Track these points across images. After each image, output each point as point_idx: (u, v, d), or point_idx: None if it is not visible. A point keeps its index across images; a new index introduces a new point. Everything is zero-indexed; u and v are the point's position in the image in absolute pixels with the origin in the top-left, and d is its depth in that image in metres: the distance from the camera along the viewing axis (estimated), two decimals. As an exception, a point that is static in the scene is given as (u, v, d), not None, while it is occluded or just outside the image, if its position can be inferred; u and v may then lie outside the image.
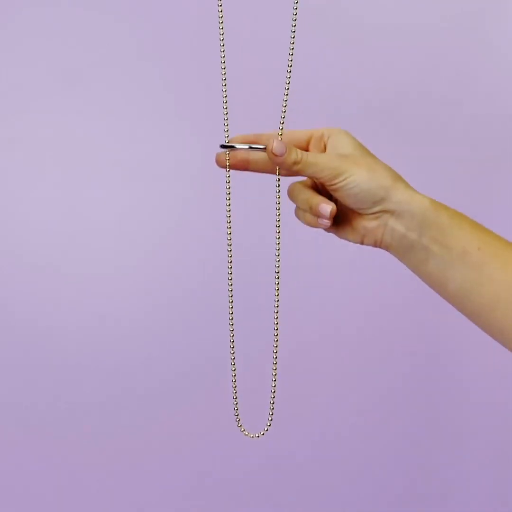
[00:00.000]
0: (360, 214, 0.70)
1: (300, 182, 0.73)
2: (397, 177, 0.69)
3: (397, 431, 1.48)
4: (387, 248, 0.71)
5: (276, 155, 0.68)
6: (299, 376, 1.43)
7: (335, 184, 0.68)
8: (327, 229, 0.73)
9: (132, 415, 1.42)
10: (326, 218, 0.69)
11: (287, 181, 0.73)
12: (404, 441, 1.49)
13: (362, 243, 0.72)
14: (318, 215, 0.69)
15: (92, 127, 1.37)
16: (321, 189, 0.72)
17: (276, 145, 0.67)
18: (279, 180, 0.73)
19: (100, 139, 1.38)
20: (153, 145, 1.39)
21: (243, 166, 0.73)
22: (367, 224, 0.70)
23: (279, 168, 0.72)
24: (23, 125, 1.36)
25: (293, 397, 1.43)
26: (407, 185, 0.70)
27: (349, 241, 0.73)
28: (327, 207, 0.69)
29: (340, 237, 0.73)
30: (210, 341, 1.37)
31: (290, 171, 0.70)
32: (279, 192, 0.74)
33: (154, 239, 1.41)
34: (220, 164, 0.73)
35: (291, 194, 0.72)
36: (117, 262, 1.40)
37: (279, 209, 0.74)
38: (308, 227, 0.72)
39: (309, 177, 0.69)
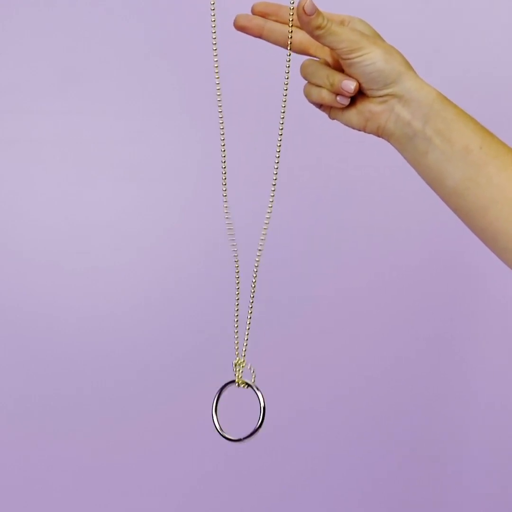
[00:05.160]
0: (367, 97, 0.71)
1: (315, 60, 0.73)
2: (410, 66, 0.71)
3: (396, 424, 1.48)
4: (388, 137, 0.72)
5: (305, 14, 0.68)
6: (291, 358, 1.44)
7: (351, 58, 0.68)
8: (332, 115, 0.74)
9: (130, 407, 1.42)
10: (348, 95, 0.70)
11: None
12: (403, 434, 1.49)
13: (364, 130, 0.72)
14: (339, 92, 0.70)
15: (92, 127, 1.37)
16: (333, 68, 0.73)
17: (308, 3, 0.68)
18: (290, 54, 0.73)
19: (100, 138, 1.38)
20: (152, 144, 1.39)
21: (258, 31, 0.73)
22: (373, 107, 0.71)
23: (291, 43, 0.72)
24: (23, 125, 1.36)
25: (286, 386, 1.43)
26: (417, 75, 0.71)
27: (352, 126, 0.73)
28: (351, 84, 0.69)
29: (344, 122, 0.73)
30: (205, 337, 1.39)
31: (309, 36, 0.70)
32: (286, 90, 0.74)
33: (155, 237, 1.41)
34: (237, 26, 0.73)
35: (306, 70, 0.73)
36: (117, 260, 1.40)
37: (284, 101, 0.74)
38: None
39: (326, 45, 0.69)
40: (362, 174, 1.39)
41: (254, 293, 0.77)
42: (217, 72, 0.73)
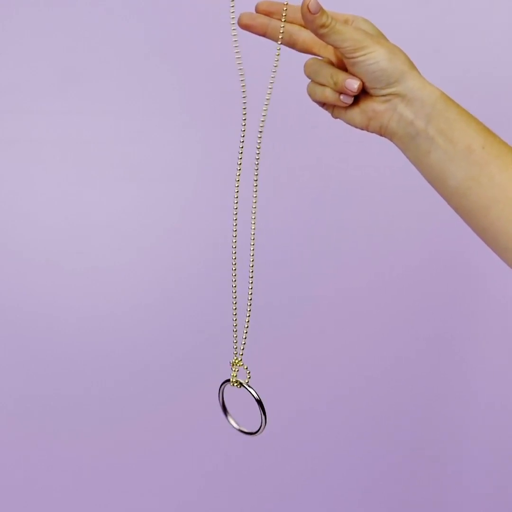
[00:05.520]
0: (370, 96, 0.71)
1: (318, 59, 0.73)
2: (414, 66, 0.71)
3: (396, 424, 1.48)
4: (391, 136, 0.72)
5: (310, 12, 0.68)
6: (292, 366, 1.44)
7: (355, 57, 0.69)
8: (335, 114, 0.74)
9: (130, 407, 1.42)
10: (351, 94, 0.70)
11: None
12: (403, 434, 1.49)
13: (367, 129, 0.73)
14: (343, 90, 0.70)
15: (92, 127, 1.37)
16: (337, 67, 0.73)
17: (313, 2, 0.68)
18: (279, 48, 0.73)
19: (100, 138, 1.38)
20: (152, 144, 1.39)
21: (262, 30, 0.74)
22: (376, 106, 0.71)
23: (296, 42, 0.73)
24: (23, 125, 1.36)
25: (287, 388, 1.43)
26: (421, 74, 0.71)
27: (355, 125, 0.73)
28: (355, 83, 0.70)
29: (347, 120, 0.73)
30: (205, 337, 1.39)
31: (314, 34, 0.70)
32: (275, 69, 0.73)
33: (155, 237, 1.41)
34: (241, 24, 0.74)
35: (310, 68, 0.73)
36: (117, 260, 1.40)
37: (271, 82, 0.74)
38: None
39: (330, 44, 0.69)
40: (362, 174, 1.39)
41: (252, 289, 0.77)
42: (241, 69, 0.73)
